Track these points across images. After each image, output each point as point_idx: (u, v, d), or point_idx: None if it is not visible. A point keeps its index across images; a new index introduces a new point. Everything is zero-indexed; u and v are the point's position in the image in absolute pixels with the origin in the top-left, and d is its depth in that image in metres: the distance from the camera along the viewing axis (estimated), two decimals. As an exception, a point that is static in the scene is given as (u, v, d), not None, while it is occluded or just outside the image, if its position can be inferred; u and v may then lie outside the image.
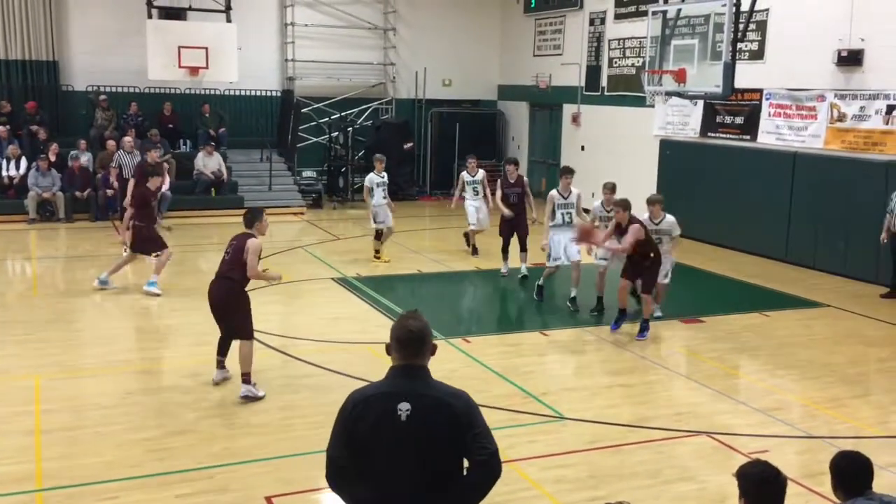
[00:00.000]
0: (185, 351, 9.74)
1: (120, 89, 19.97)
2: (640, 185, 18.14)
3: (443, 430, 3.54)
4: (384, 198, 13.90)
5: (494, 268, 13.52)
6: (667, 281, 10.91)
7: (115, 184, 16.46)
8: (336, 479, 3.64)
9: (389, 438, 3.53)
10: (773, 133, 15.30)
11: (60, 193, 17.32)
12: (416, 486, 3.54)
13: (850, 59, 13.55)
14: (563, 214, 11.69)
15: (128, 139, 16.67)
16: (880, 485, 4.06)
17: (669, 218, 10.72)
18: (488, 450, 3.56)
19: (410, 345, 3.62)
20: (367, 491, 3.57)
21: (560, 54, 21.12)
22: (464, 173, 14.55)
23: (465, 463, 3.64)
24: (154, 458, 6.72)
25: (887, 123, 13.22)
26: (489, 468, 3.56)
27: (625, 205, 10.12)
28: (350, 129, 21.45)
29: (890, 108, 13.15)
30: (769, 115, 15.37)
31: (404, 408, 3.52)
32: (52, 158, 17.60)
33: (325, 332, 10.33)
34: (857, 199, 13.30)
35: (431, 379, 3.66)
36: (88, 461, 6.64)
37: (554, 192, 11.91)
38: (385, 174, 14.01)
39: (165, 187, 17.73)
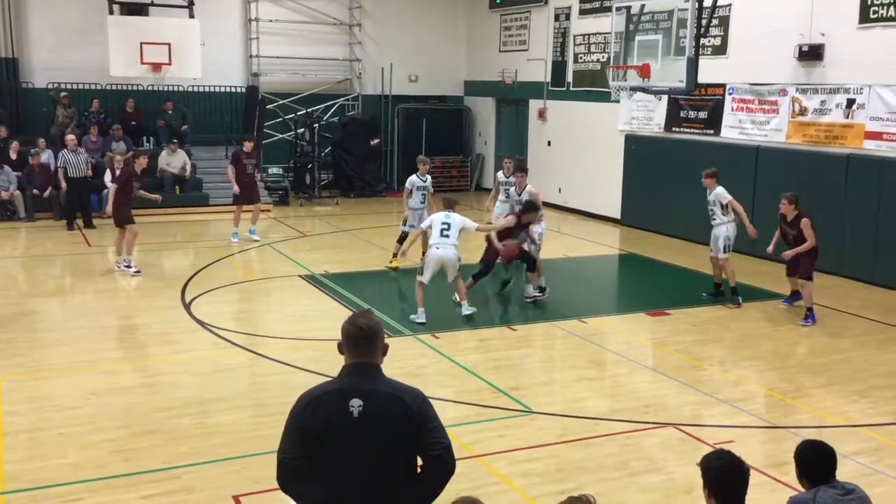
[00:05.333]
0: (150, 350, 9.64)
1: (81, 86, 19.70)
2: (605, 179, 18.34)
3: (396, 425, 3.52)
4: (422, 202, 13.28)
5: (464, 264, 13.49)
6: (722, 256, 11.51)
7: (63, 184, 16.26)
8: (289, 480, 3.56)
9: (342, 436, 3.50)
10: (736, 127, 15.47)
11: (18, 192, 17.04)
12: (371, 482, 3.52)
13: (811, 54, 13.73)
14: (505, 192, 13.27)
15: (71, 138, 16.56)
16: (843, 473, 4.13)
17: (718, 189, 11.66)
18: (442, 444, 3.55)
19: (361, 343, 3.60)
20: (322, 490, 3.53)
21: (526, 50, 21.17)
22: (499, 173, 13.77)
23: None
24: (119, 458, 6.64)
25: (847, 117, 13.42)
26: (444, 462, 3.55)
27: (792, 198, 10.83)
28: (316, 125, 21.34)
29: (850, 102, 13.35)
30: (732, 109, 15.54)
31: (356, 404, 3.50)
32: (14, 156, 17.32)
33: (294, 329, 10.28)
34: (818, 192, 13.46)
35: (384, 376, 3.65)
36: (52, 463, 6.55)
37: (499, 173, 13.56)
38: (428, 177, 13.40)
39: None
